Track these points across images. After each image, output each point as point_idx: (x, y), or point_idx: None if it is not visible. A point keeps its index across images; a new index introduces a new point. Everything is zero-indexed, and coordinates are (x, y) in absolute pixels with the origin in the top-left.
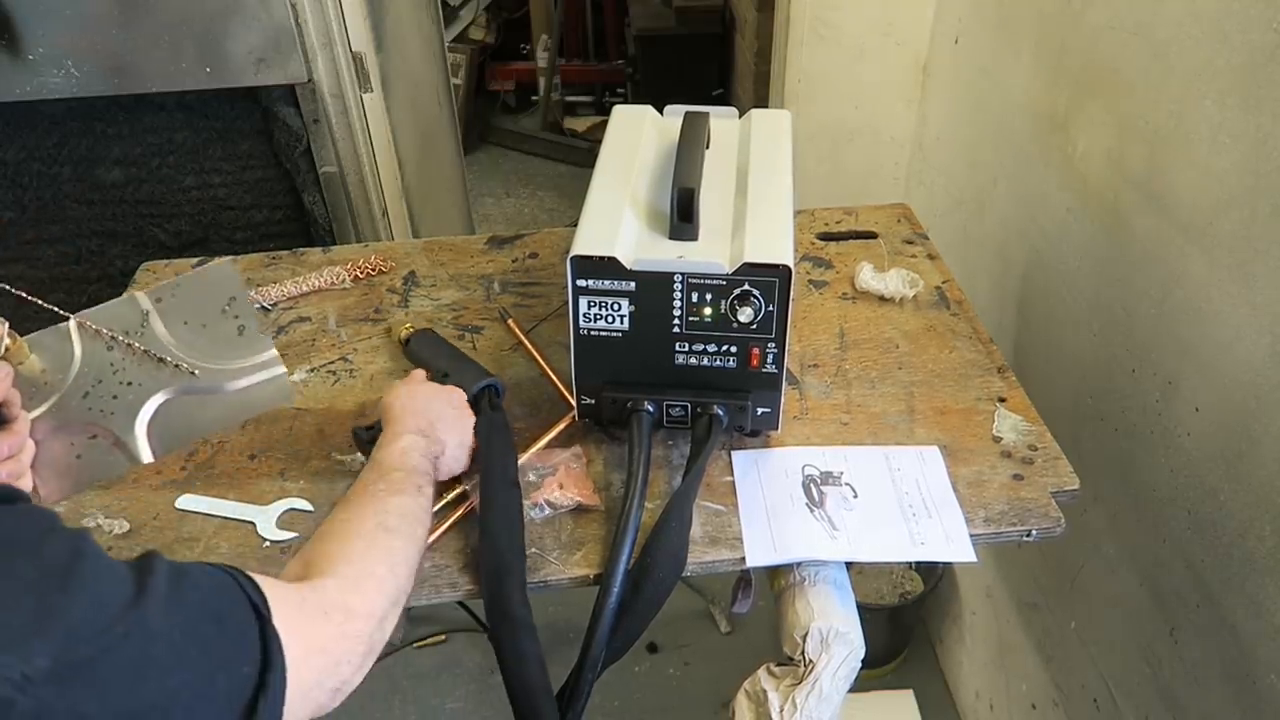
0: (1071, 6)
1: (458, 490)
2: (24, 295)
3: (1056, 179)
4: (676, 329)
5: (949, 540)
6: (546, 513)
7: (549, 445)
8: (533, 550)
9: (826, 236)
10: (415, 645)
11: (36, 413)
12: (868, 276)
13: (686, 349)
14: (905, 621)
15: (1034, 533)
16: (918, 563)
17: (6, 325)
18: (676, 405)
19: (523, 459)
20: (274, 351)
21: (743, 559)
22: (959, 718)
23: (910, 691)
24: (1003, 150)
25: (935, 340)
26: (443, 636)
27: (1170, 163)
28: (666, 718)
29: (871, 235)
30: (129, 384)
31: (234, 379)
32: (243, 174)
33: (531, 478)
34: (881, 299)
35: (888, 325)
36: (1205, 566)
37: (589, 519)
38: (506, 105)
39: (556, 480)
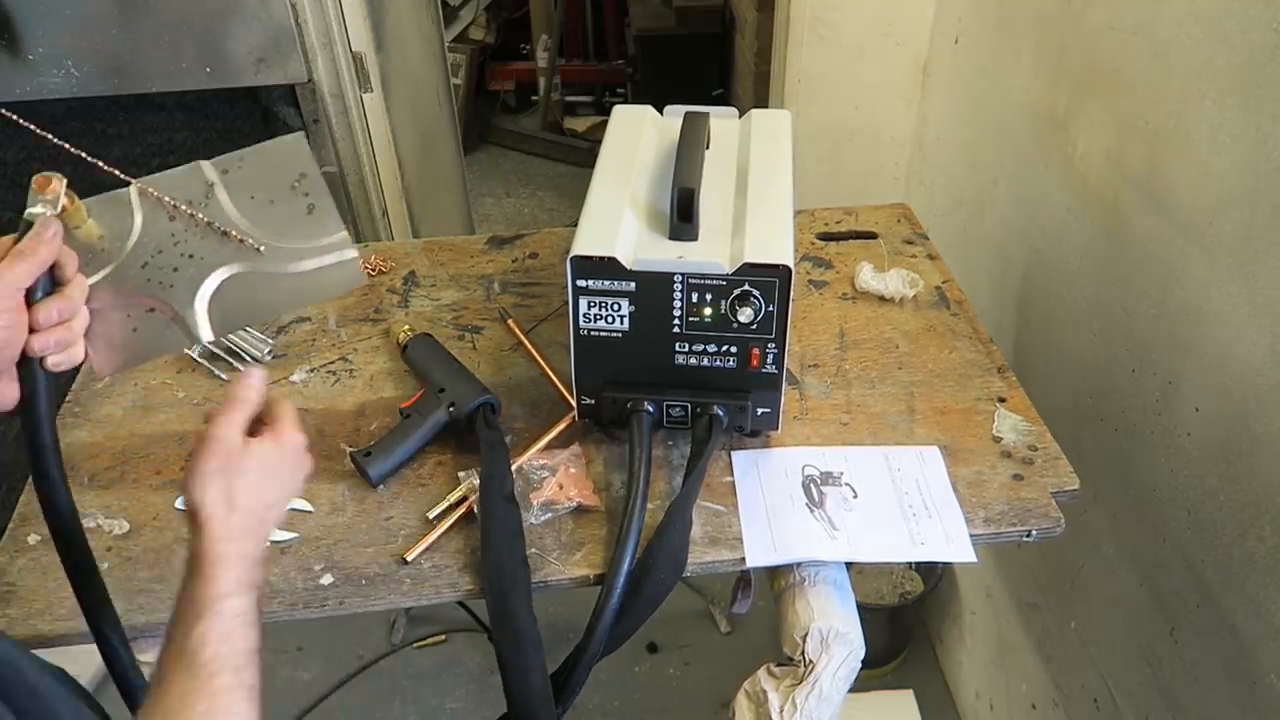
0: (1071, 6)
1: (458, 490)
2: (84, 156)
3: (1056, 179)
4: (676, 329)
5: (949, 540)
6: (547, 514)
7: (549, 445)
8: (533, 550)
9: (826, 236)
10: (415, 645)
11: (93, 279)
12: (868, 276)
13: (686, 349)
14: (905, 621)
15: (1034, 533)
16: (918, 563)
17: (64, 183)
18: (676, 405)
19: (523, 459)
20: (344, 233)
21: (743, 559)
22: (959, 718)
23: (910, 691)
24: (1003, 150)
25: (935, 340)
26: (443, 636)
27: (1170, 163)
28: (666, 718)
29: (871, 235)
30: (190, 257)
31: (301, 259)
32: None
33: (532, 478)
34: (881, 299)
35: (888, 325)
36: (1205, 566)
37: (589, 519)
38: (506, 105)
39: (556, 480)
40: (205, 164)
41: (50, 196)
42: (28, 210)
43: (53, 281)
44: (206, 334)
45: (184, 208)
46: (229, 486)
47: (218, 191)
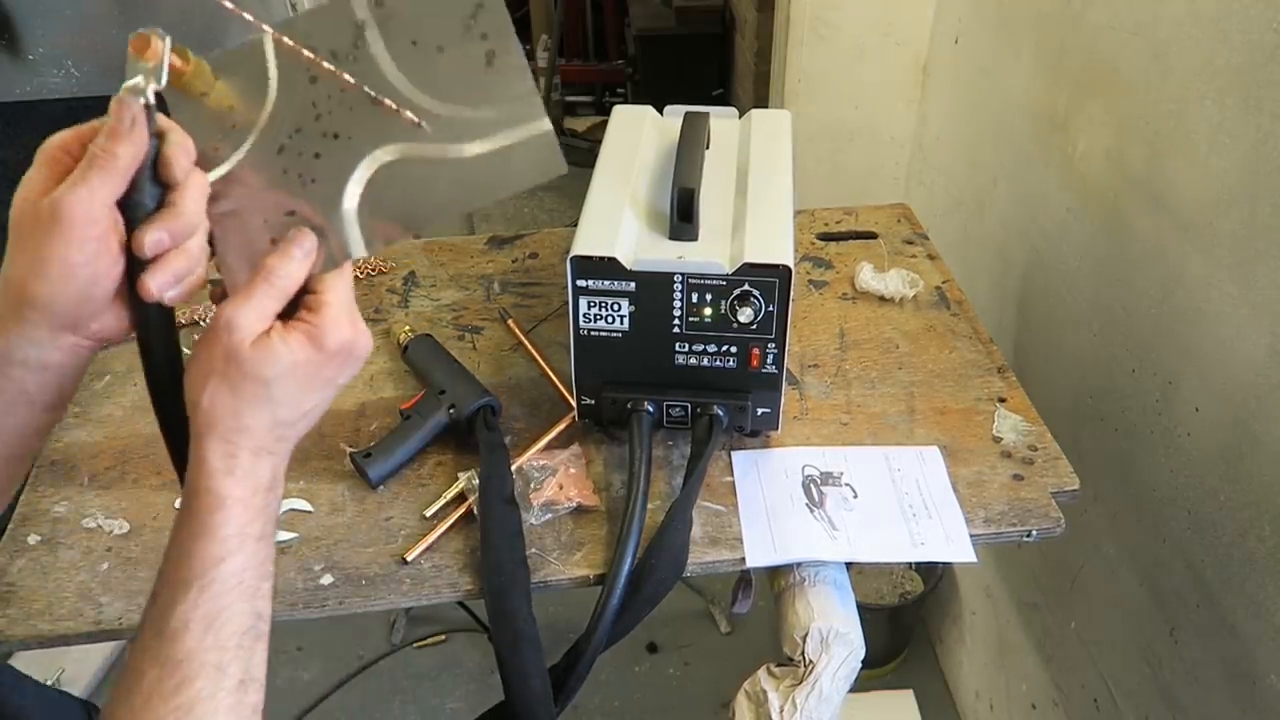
0: (1071, 6)
1: (457, 489)
2: None
3: (1056, 179)
4: (676, 329)
5: (949, 540)
6: (547, 514)
7: (549, 445)
8: (533, 550)
9: (826, 236)
10: (415, 645)
11: (219, 172)
12: (868, 276)
13: (686, 349)
14: (905, 621)
15: (1034, 533)
16: (918, 563)
17: (169, 42)
18: (676, 405)
19: (523, 459)
20: (536, 94)
21: (743, 559)
22: (959, 718)
23: (910, 691)
24: (1003, 150)
25: (935, 340)
26: (443, 636)
27: (1170, 163)
28: (666, 718)
29: (871, 235)
30: (335, 137)
31: (478, 136)
32: None
33: (532, 478)
34: (881, 299)
35: (888, 325)
36: (1205, 566)
37: (589, 519)
38: None
39: (556, 481)
40: None
41: (150, 64)
42: (123, 84)
43: (160, 186)
44: (359, 249)
45: (328, 64)
46: (237, 397)
47: (369, 36)
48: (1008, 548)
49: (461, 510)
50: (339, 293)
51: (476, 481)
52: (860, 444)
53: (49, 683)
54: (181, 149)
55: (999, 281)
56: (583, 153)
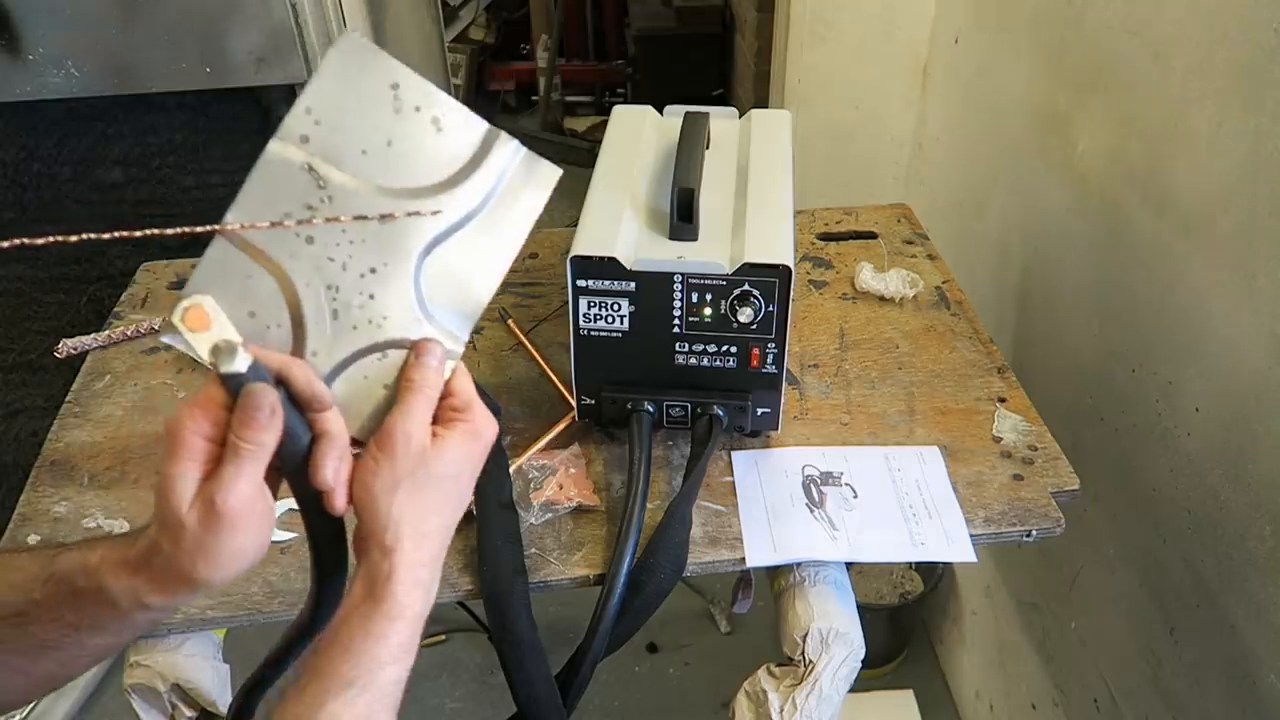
0: (1071, 6)
1: None
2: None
3: (1056, 178)
4: (676, 329)
5: (949, 540)
6: (547, 514)
7: (549, 445)
8: (533, 551)
9: (826, 236)
10: None
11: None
12: (868, 276)
13: (686, 349)
14: (905, 621)
15: (1034, 533)
16: (918, 563)
17: (210, 300)
18: (676, 405)
19: (522, 459)
20: (484, 125)
21: (743, 559)
22: (959, 718)
23: (910, 691)
24: (1002, 150)
25: (935, 340)
26: (443, 636)
27: (1170, 162)
28: (666, 718)
29: (871, 235)
30: (372, 271)
31: (478, 189)
32: (243, 174)
33: (531, 478)
34: (881, 299)
35: (888, 325)
36: (1205, 566)
37: (589, 519)
38: (506, 105)
39: (556, 480)
40: (274, 145)
41: (218, 337)
42: (214, 364)
43: (304, 424)
44: (464, 335)
45: (303, 219)
46: (420, 504)
47: (322, 170)
48: (1008, 548)
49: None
50: (472, 388)
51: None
52: (860, 444)
53: None
54: (308, 380)
55: (999, 281)
56: (583, 153)
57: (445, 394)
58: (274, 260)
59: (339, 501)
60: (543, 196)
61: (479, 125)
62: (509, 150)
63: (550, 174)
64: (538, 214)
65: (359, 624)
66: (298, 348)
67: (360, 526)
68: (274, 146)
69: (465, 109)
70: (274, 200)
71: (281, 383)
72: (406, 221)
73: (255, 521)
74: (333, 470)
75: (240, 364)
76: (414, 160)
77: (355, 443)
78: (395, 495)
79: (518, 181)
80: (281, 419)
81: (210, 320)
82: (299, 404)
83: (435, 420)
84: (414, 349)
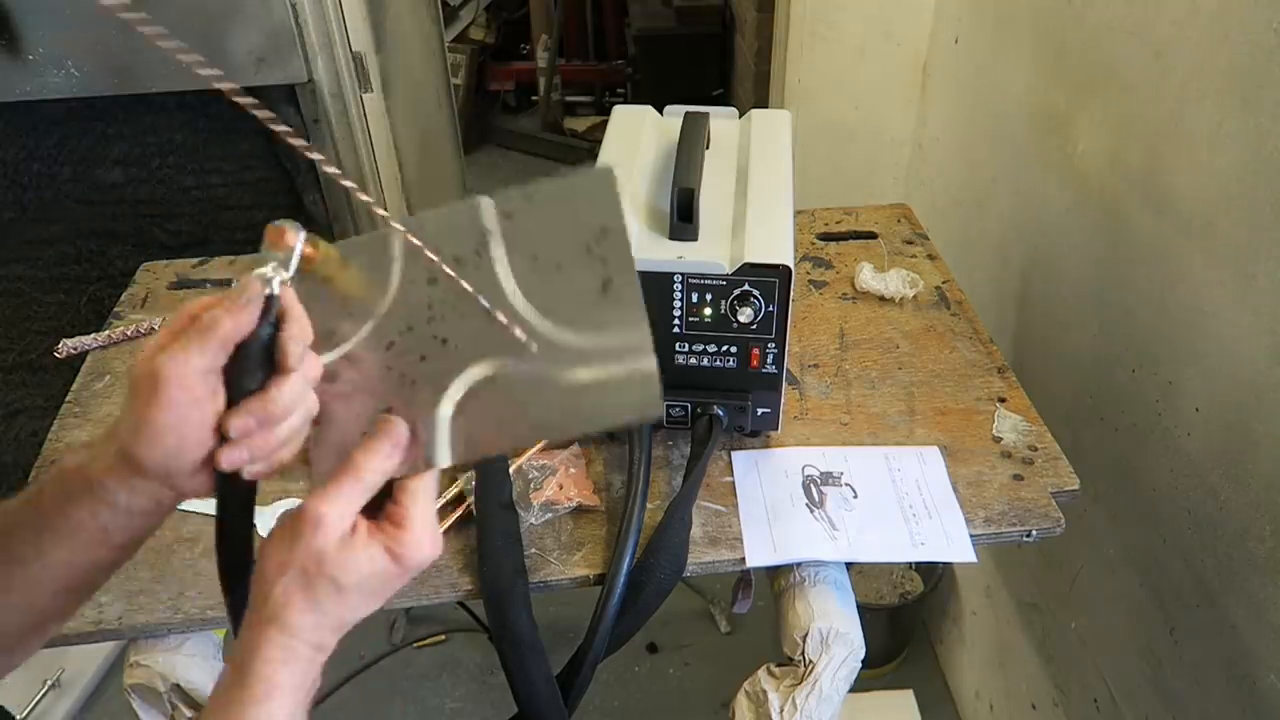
0: (1071, 6)
1: (456, 490)
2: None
3: (1056, 178)
4: (677, 329)
5: (949, 540)
6: (547, 514)
7: (549, 445)
8: (533, 551)
9: (826, 236)
10: (415, 645)
11: (330, 356)
12: (868, 276)
13: (686, 349)
14: (905, 621)
15: (1034, 533)
16: (918, 563)
17: (303, 234)
18: (676, 405)
19: (522, 459)
20: (646, 331)
21: (743, 559)
22: (959, 718)
23: (910, 691)
24: (1002, 150)
25: (935, 340)
26: (443, 636)
27: (1170, 162)
28: (666, 718)
29: (871, 235)
30: (443, 342)
31: (581, 364)
32: (243, 174)
33: (531, 478)
34: (881, 299)
35: (888, 325)
36: (1205, 566)
37: (589, 519)
38: (506, 105)
39: (556, 480)
40: (486, 201)
41: (282, 254)
42: (256, 270)
43: (269, 369)
44: (445, 457)
45: (448, 269)
46: (311, 595)
47: (493, 246)
48: (1008, 548)
49: (461, 511)
50: (423, 507)
51: (474, 481)
52: (860, 444)
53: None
54: (298, 339)
55: (999, 281)
56: (583, 153)
57: (395, 495)
58: (406, 273)
59: (223, 458)
60: (627, 419)
61: (640, 324)
62: (640, 365)
63: (654, 409)
64: (610, 427)
65: (230, 702)
66: (348, 338)
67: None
68: (486, 202)
69: (641, 304)
70: (442, 236)
71: (278, 323)
72: (504, 332)
73: (182, 404)
74: (240, 424)
75: (263, 281)
76: (564, 298)
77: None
78: (284, 572)
79: (622, 392)
80: (250, 318)
81: (285, 247)
82: (279, 357)
83: (373, 515)
84: (375, 425)
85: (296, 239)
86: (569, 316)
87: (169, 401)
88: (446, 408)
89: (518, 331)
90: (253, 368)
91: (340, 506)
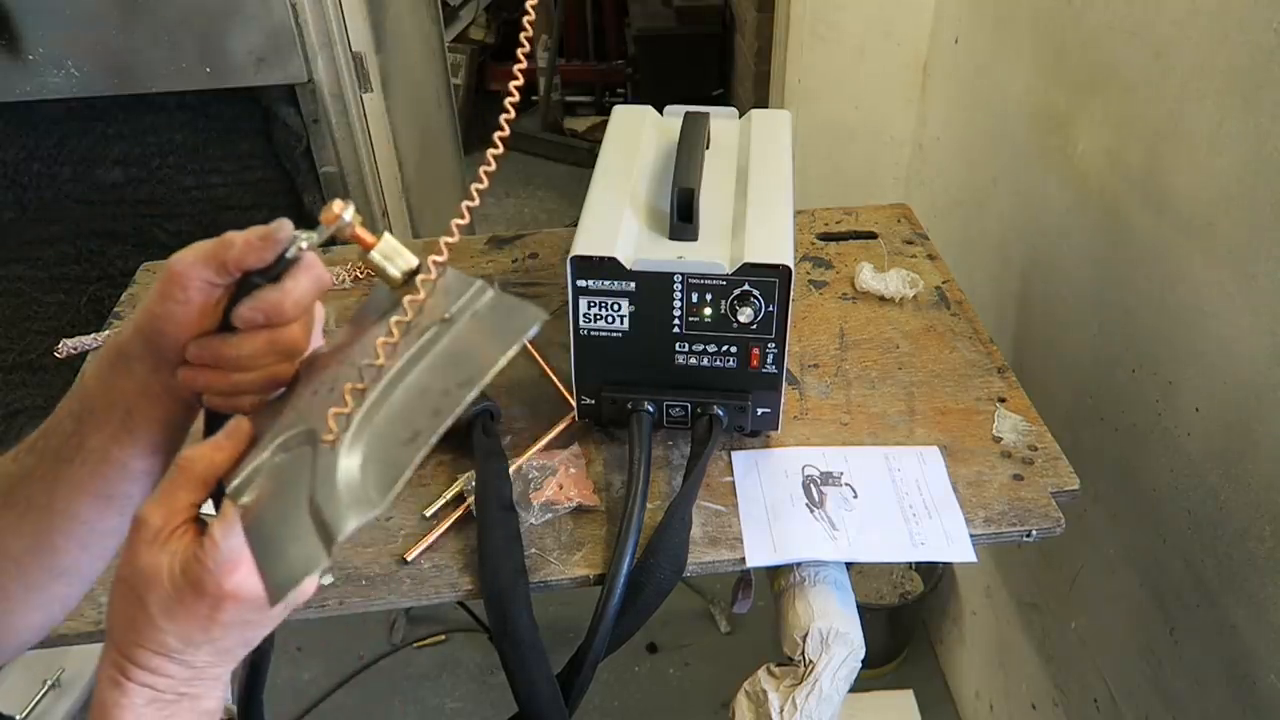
0: (1071, 6)
1: (456, 490)
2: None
3: (1056, 179)
4: (676, 329)
5: (949, 540)
6: (547, 514)
7: (549, 445)
8: (533, 551)
9: (826, 236)
10: (415, 645)
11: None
12: (868, 276)
13: (686, 349)
14: (905, 621)
15: (1034, 533)
16: (918, 563)
17: (352, 208)
18: (676, 405)
19: (522, 459)
20: (345, 535)
21: (743, 559)
22: (959, 718)
23: (910, 691)
24: (1002, 150)
25: (935, 340)
26: (443, 636)
27: (1170, 162)
28: (666, 718)
29: (871, 235)
30: (330, 390)
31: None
32: (243, 174)
33: (531, 478)
34: (881, 299)
35: (888, 325)
36: (1205, 566)
37: (589, 519)
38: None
39: (556, 480)
40: (483, 287)
41: (328, 227)
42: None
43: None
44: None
45: (395, 327)
46: (125, 604)
47: (443, 332)
48: (1008, 548)
49: (461, 511)
50: (237, 542)
51: (475, 482)
52: (860, 444)
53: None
54: (314, 278)
55: (999, 281)
56: (583, 153)
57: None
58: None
59: (187, 375)
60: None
61: (348, 524)
62: (476, 289)
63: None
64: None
65: None
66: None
67: None
68: (483, 286)
69: (370, 513)
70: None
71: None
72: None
73: (182, 299)
74: (197, 351)
75: (291, 244)
76: (392, 426)
77: None
78: (118, 575)
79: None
80: (263, 252)
81: (330, 219)
82: (271, 315)
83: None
84: (229, 423)
85: (345, 209)
86: (370, 455)
87: (165, 293)
88: (268, 451)
89: (332, 423)
90: (259, 279)
91: (160, 503)
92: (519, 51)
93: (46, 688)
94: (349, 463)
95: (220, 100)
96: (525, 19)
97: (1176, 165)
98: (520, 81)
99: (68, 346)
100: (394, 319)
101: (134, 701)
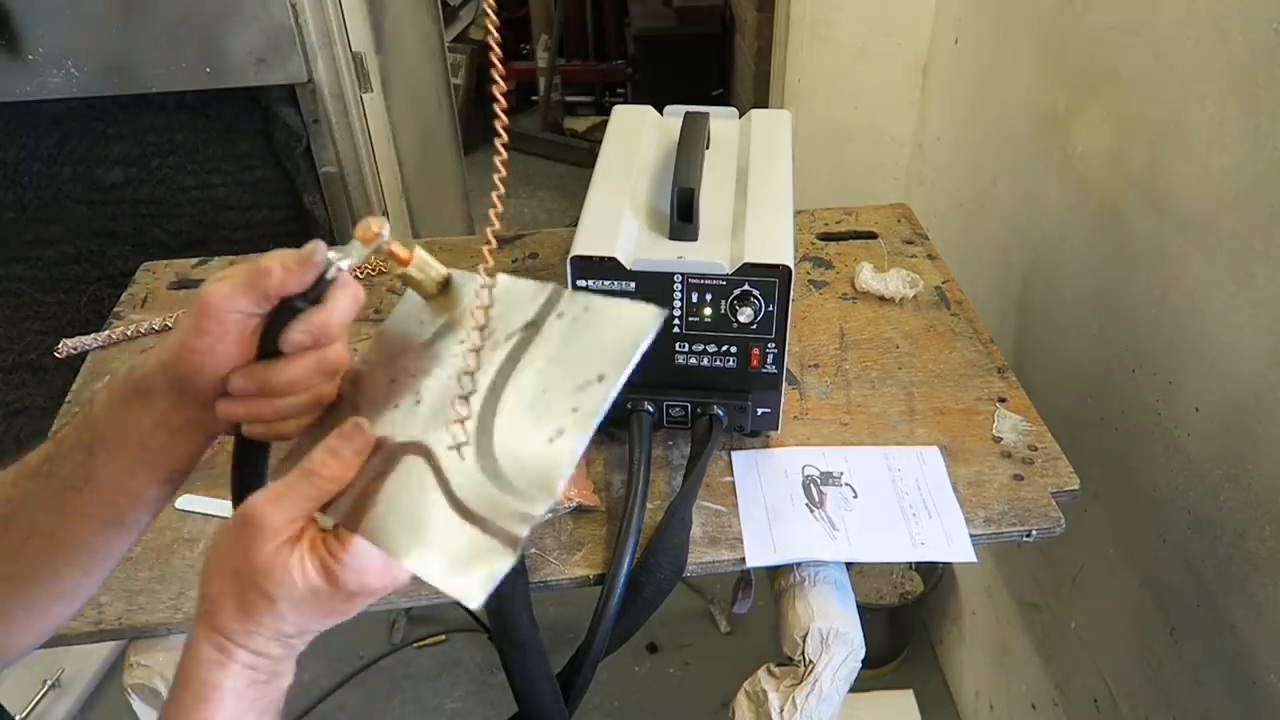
0: (1072, 6)
1: None
2: None
3: (1056, 179)
4: (677, 329)
5: (949, 540)
6: (547, 514)
7: None
8: (533, 550)
9: (826, 236)
10: (415, 645)
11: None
12: (868, 276)
13: (687, 349)
14: (905, 621)
15: (1034, 533)
16: (918, 563)
17: (388, 227)
18: (676, 405)
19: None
20: (531, 522)
21: (743, 559)
22: (959, 718)
23: (910, 691)
24: (1003, 150)
25: (935, 340)
26: (443, 636)
27: (1170, 163)
28: (666, 718)
29: (871, 235)
30: (417, 402)
31: (457, 510)
32: (243, 174)
33: None
34: (881, 299)
35: (888, 325)
36: (1205, 566)
37: (589, 519)
38: None
39: None
40: (559, 290)
41: (363, 245)
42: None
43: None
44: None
45: (494, 332)
46: (243, 601)
47: (531, 339)
48: (1008, 548)
49: None
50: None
51: None
52: (860, 444)
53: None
54: (352, 295)
55: (999, 281)
56: (583, 153)
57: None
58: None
59: (227, 408)
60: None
61: (524, 522)
62: (491, 566)
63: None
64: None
65: (173, 702)
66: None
67: None
68: (558, 290)
69: (553, 496)
70: (502, 305)
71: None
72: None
73: (218, 333)
74: (241, 383)
75: (328, 267)
76: (521, 431)
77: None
78: (221, 570)
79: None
80: (302, 277)
81: (369, 237)
82: (315, 335)
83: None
84: (342, 427)
85: (382, 229)
86: (507, 455)
87: (201, 327)
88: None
89: (458, 431)
90: (282, 330)
91: (284, 509)
92: (491, 55)
93: (46, 688)
94: (488, 463)
95: (220, 100)
96: (487, 21)
97: (1177, 165)
98: (505, 87)
99: (68, 346)
100: (471, 327)
101: (237, 683)
